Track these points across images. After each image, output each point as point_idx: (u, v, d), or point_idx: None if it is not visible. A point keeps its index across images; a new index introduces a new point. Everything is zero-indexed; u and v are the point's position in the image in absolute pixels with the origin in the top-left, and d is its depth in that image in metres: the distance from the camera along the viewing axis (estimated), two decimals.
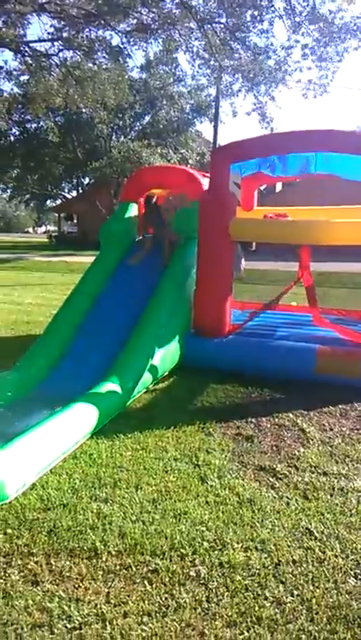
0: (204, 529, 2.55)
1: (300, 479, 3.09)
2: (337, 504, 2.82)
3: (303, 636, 1.91)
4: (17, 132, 33.17)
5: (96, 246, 6.55)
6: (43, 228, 77.66)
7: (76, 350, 4.85)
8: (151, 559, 2.32)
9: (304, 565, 2.31)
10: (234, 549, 2.39)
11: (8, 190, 40.10)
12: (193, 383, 4.85)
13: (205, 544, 2.43)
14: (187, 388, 4.72)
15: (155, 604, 2.06)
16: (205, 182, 5.95)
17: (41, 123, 29.58)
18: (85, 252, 22.68)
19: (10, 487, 2.70)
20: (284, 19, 14.84)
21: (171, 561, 2.31)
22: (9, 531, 2.51)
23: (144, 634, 1.90)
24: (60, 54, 17.59)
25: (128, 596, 2.10)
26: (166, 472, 3.14)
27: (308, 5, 14.21)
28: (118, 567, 2.28)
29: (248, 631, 1.93)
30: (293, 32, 15.21)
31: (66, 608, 2.03)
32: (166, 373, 5.00)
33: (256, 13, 15.06)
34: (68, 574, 2.23)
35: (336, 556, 2.37)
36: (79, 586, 2.16)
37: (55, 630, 1.93)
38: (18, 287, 12.50)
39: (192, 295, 5.46)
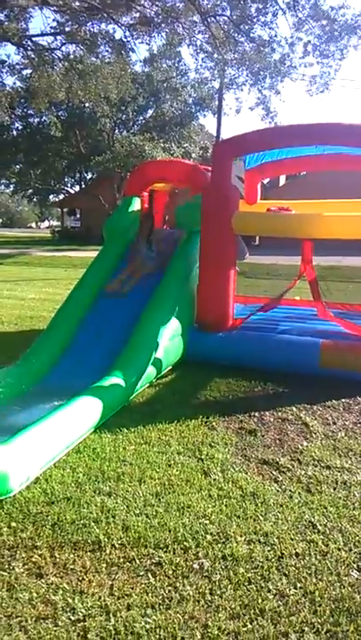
0: (207, 522, 2.56)
1: (303, 473, 3.09)
2: (340, 497, 2.82)
3: (306, 628, 1.91)
4: (20, 127, 33.16)
5: (99, 241, 6.56)
6: (46, 223, 77.67)
7: (79, 345, 4.85)
8: (155, 552, 2.33)
9: (307, 558, 2.31)
10: (237, 542, 2.40)
11: (11, 185, 40.11)
12: (196, 377, 4.85)
13: (209, 537, 2.44)
14: (190, 383, 4.73)
15: (158, 597, 2.06)
16: (209, 176, 5.93)
17: (44, 117, 29.53)
18: (88, 247, 22.71)
19: (14, 481, 2.71)
20: (288, 14, 14.76)
21: (174, 554, 2.32)
22: (13, 524, 2.53)
23: (148, 626, 1.91)
24: (63, 48, 17.57)
25: (132, 589, 2.11)
26: (170, 466, 3.15)
27: (310, 1, 14.14)
28: (122, 560, 2.28)
29: (251, 623, 1.93)
30: (296, 30, 15.16)
31: (70, 600, 2.04)
32: (169, 368, 5.00)
33: (261, 6, 14.97)
34: (71, 567, 2.24)
35: (339, 549, 2.37)
36: (83, 578, 2.17)
37: (59, 622, 1.94)
38: (21, 282, 12.52)
39: (195, 289, 5.45)
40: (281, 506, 2.73)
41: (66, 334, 4.95)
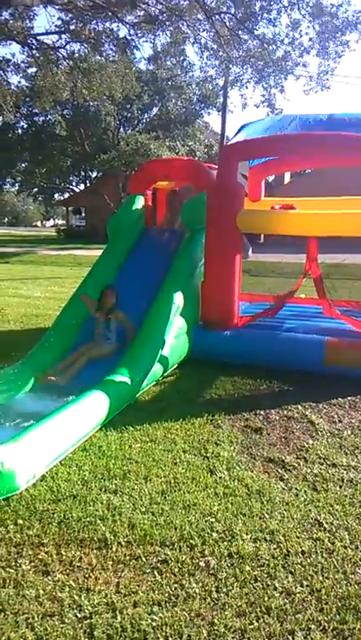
0: (213, 520, 2.56)
1: (309, 471, 3.09)
2: (346, 495, 2.81)
3: (313, 626, 1.91)
4: (25, 126, 33.19)
5: (104, 240, 6.56)
6: (51, 222, 77.84)
7: (85, 342, 4.85)
8: (161, 550, 2.34)
9: (313, 556, 2.31)
10: (243, 540, 2.40)
11: (16, 184, 40.19)
12: (201, 376, 4.85)
13: (215, 535, 2.44)
14: (195, 381, 4.73)
15: (164, 594, 2.07)
16: (213, 174, 5.91)
17: (49, 116, 29.54)
18: (94, 246, 22.71)
19: (20, 478, 2.72)
20: (290, 10, 14.73)
21: (180, 551, 2.32)
22: (20, 521, 2.54)
23: (154, 623, 1.92)
24: (68, 47, 17.53)
25: (138, 586, 2.11)
26: (175, 464, 3.15)
27: None
28: (128, 557, 2.29)
29: (258, 621, 1.93)
30: (292, 29, 15.15)
31: (76, 598, 2.05)
32: (175, 366, 5.00)
33: (265, 4, 14.93)
34: (78, 564, 2.25)
35: (345, 547, 2.37)
36: (89, 576, 2.18)
37: (66, 620, 1.95)
38: (27, 281, 12.55)
39: (200, 287, 5.45)
40: (287, 504, 2.72)
41: (72, 332, 4.97)
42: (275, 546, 2.38)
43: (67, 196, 40.40)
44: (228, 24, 15.27)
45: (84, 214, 40.15)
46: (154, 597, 2.05)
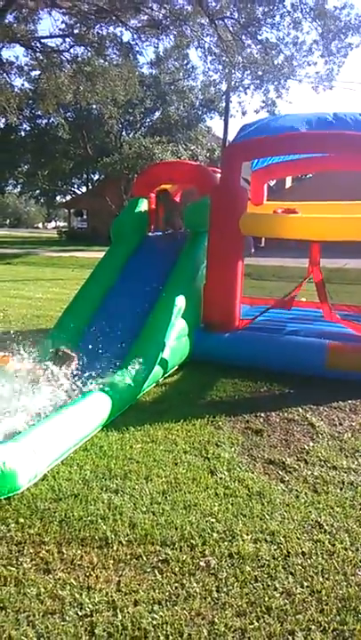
0: (213, 520, 2.57)
1: (309, 473, 3.10)
2: (347, 498, 2.82)
3: (313, 627, 1.92)
4: (28, 128, 33.33)
5: (106, 242, 6.59)
6: (52, 224, 77.98)
7: (87, 343, 4.86)
8: (161, 549, 2.34)
9: (314, 557, 2.31)
10: (243, 541, 2.41)
11: (18, 186, 40.32)
12: (202, 377, 4.86)
13: (215, 535, 2.45)
14: (196, 383, 4.74)
15: (165, 593, 2.07)
16: (216, 177, 5.94)
17: (51, 118, 29.67)
18: (95, 248, 22.77)
19: (22, 477, 2.72)
20: (293, 15, 14.83)
21: (181, 551, 2.33)
22: (21, 520, 2.54)
23: (154, 622, 1.92)
24: (71, 50, 17.64)
25: (138, 585, 2.12)
26: (176, 464, 3.16)
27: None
28: (129, 556, 2.30)
29: (258, 621, 1.94)
30: (295, 29, 15.25)
31: (77, 596, 2.05)
32: (176, 367, 5.01)
33: (267, 9, 15.04)
34: (79, 563, 2.25)
35: (346, 549, 2.38)
36: (90, 574, 2.18)
37: (67, 617, 1.95)
38: (28, 282, 12.58)
39: (202, 290, 5.46)
40: (287, 505, 2.73)
41: (73, 333, 4.98)
42: (275, 547, 2.38)
43: (68, 198, 40.51)
44: (231, 29, 15.35)
45: (85, 216, 40.24)
46: (154, 596, 2.06)
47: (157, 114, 32.29)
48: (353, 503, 2.76)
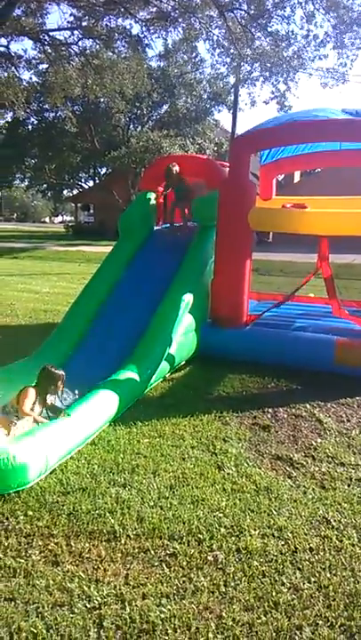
0: (221, 515, 2.57)
1: (317, 469, 3.10)
2: (354, 494, 2.82)
3: (320, 622, 1.92)
4: (35, 122, 33.26)
5: (113, 236, 6.59)
6: (59, 218, 78.01)
7: (94, 338, 4.88)
8: (169, 543, 2.35)
9: (321, 553, 2.32)
10: (251, 536, 2.41)
11: (26, 180, 40.32)
12: (209, 373, 4.86)
13: (223, 530, 2.46)
14: (203, 378, 4.74)
15: (173, 587, 2.09)
16: (225, 171, 5.91)
17: (59, 112, 29.58)
18: (102, 242, 22.77)
19: (32, 472, 2.74)
20: (304, 6, 14.66)
21: (188, 545, 2.34)
22: (30, 513, 2.56)
23: (162, 615, 1.93)
24: (80, 43, 17.55)
25: (147, 579, 2.13)
26: (183, 459, 3.17)
27: None
28: (137, 550, 2.31)
29: (265, 615, 1.95)
30: (308, 22, 15.07)
31: (86, 588, 2.07)
32: (183, 362, 5.01)
33: (278, 0, 14.89)
34: (87, 556, 2.27)
35: (353, 545, 2.38)
36: (98, 567, 2.20)
37: (75, 610, 1.97)
38: (35, 276, 12.60)
39: (209, 285, 5.45)
40: (295, 501, 2.73)
41: (82, 327, 4.99)
42: (283, 542, 2.39)
43: (75, 192, 40.47)
44: (240, 21, 15.22)
45: (92, 211, 40.21)
46: (162, 590, 2.07)
47: (165, 107, 32.11)
48: None
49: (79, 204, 40.44)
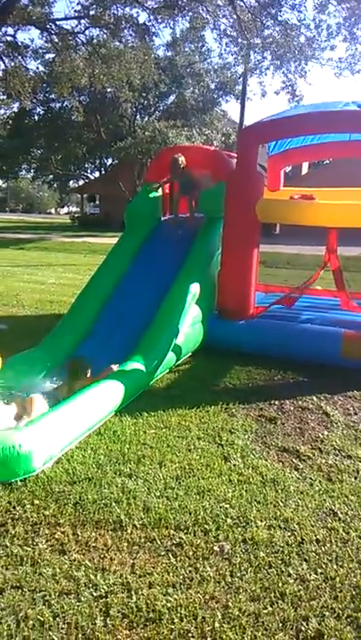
0: (227, 506, 2.57)
1: (323, 461, 3.09)
2: None
3: (327, 613, 1.92)
4: (41, 112, 33.15)
5: (119, 228, 6.56)
6: (65, 209, 77.94)
7: (100, 329, 4.88)
8: (175, 533, 2.35)
9: (328, 545, 2.31)
10: (257, 527, 2.41)
11: (32, 170, 40.26)
12: (216, 364, 4.85)
13: (229, 520, 2.46)
14: (210, 369, 4.73)
15: (179, 577, 2.09)
16: (232, 162, 5.87)
17: (65, 102, 29.46)
18: (108, 234, 22.74)
19: (37, 460, 2.75)
20: None
21: (195, 535, 2.34)
22: (36, 502, 2.57)
23: (169, 604, 1.94)
24: (87, 32, 17.44)
25: (153, 568, 2.14)
26: (190, 450, 3.16)
27: None
28: (143, 540, 2.31)
29: (272, 606, 1.94)
30: (320, 12, 14.89)
31: (92, 577, 2.08)
32: (189, 354, 5.00)
33: None
34: (93, 545, 2.27)
35: (360, 537, 2.37)
36: (105, 556, 2.21)
37: (82, 598, 1.97)
38: (41, 267, 12.61)
39: (216, 276, 5.43)
40: (301, 493, 2.73)
41: (88, 317, 4.99)
42: (289, 533, 2.38)
43: (81, 183, 40.39)
44: (250, 9, 15.05)
45: (98, 202, 40.14)
46: (169, 579, 2.07)
47: (172, 97, 31.90)
48: None
49: (85, 195, 40.40)
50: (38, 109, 32.84)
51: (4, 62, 18.20)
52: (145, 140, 24.64)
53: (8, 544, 2.27)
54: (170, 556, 2.21)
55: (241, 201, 5.14)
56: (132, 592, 2.00)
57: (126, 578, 2.08)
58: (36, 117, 33.48)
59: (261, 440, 3.36)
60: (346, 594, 2.02)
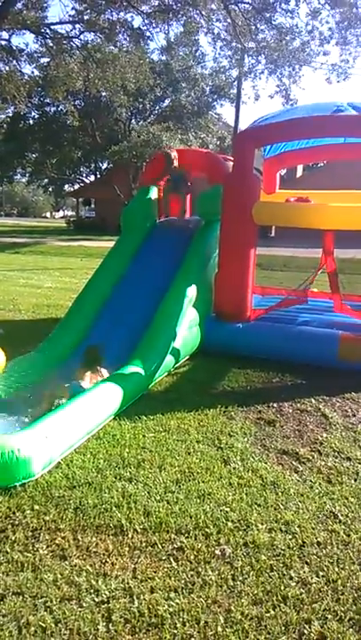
0: (228, 509, 2.57)
1: (323, 464, 3.09)
2: None
3: (329, 616, 1.92)
4: (36, 116, 33.16)
5: (114, 231, 6.56)
6: (60, 213, 77.85)
7: (98, 332, 4.87)
8: (176, 537, 2.35)
9: (329, 547, 2.31)
10: (258, 530, 2.41)
11: (26, 175, 40.23)
12: (214, 367, 4.85)
13: (230, 524, 2.45)
14: (208, 372, 4.73)
15: (181, 581, 2.08)
16: (229, 165, 5.88)
17: (60, 106, 29.49)
18: (104, 237, 22.72)
19: (37, 464, 2.74)
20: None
21: (196, 539, 2.34)
22: (36, 507, 2.56)
23: (171, 609, 1.93)
24: (81, 37, 17.47)
25: (154, 573, 2.13)
26: (189, 454, 3.16)
27: None
28: (144, 544, 2.31)
29: (274, 609, 1.94)
30: (313, 18, 15.00)
31: (93, 582, 2.07)
32: (187, 357, 5.00)
33: None
34: (94, 550, 2.27)
35: None
36: (106, 561, 2.20)
37: (83, 604, 1.96)
38: (37, 271, 12.59)
39: (213, 279, 5.44)
40: (302, 495, 2.73)
41: (86, 321, 4.99)
42: (290, 536, 2.38)
43: (77, 187, 40.39)
44: (244, 14, 15.12)
45: (93, 206, 40.14)
46: (170, 584, 2.07)
47: (167, 101, 31.97)
48: None
49: (80, 199, 40.38)
50: (33, 113, 32.86)
51: None
52: (139, 143, 24.67)
53: (8, 550, 2.25)
54: (171, 560, 2.21)
55: (238, 204, 5.15)
56: (134, 597, 1.99)
57: (128, 583, 2.07)
58: (31, 121, 33.46)
59: (261, 443, 3.37)
60: (348, 596, 2.02)
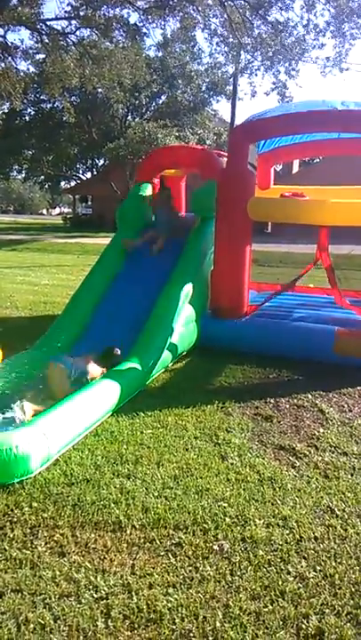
0: (225, 505, 2.58)
1: (320, 459, 3.10)
2: (358, 483, 2.82)
3: (327, 610, 1.93)
4: (32, 112, 33.00)
5: (111, 228, 6.55)
6: (57, 210, 77.59)
7: (94, 329, 4.87)
8: (174, 533, 2.36)
9: (326, 542, 2.33)
10: (256, 525, 2.42)
11: (23, 171, 40.06)
12: (211, 364, 4.86)
13: (228, 519, 2.46)
14: (205, 369, 4.74)
15: (179, 577, 2.09)
16: (223, 161, 5.87)
17: (56, 103, 29.36)
18: (101, 234, 22.69)
19: (35, 461, 2.74)
20: None
21: (194, 535, 2.35)
22: (34, 504, 2.56)
23: (170, 604, 1.94)
24: (77, 33, 17.36)
25: (153, 568, 2.14)
26: (187, 450, 3.17)
27: None
28: (142, 540, 2.31)
29: (272, 604, 1.95)
30: (308, 11, 14.96)
31: (92, 579, 2.08)
32: (184, 353, 5.01)
33: None
34: (93, 546, 2.27)
35: (358, 534, 2.39)
36: (105, 557, 2.20)
37: (82, 600, 1.97)
38: (34, 268, 12.56)
39: (209, 275, 5.44)
40: (299, 490, 2.74)
41: (83, 318, 4.98)
42: (288, 531, 2.39)
43: (73, 184, 40.25)
44: (239, 9, 15.07)
45: (90, 202, 40.02)
46: (169, 579, 2.07)
47: (163, 98, 31.86)
48: None
49: (77, 196, 40.24)
50: (29, 110, 32.69)
51: None
52: (135, 140, 24.58)
53: (7, 547, 2.26)
54: (169, 556, 2.22)
55: (232, 200, 5.14)
56: (133, 593, 2.00)
57: (127, 579, 2.08)
58: (27, 118, 33.30)
59: (258, 438, 3.38)
60: (345, 591, 2.03)
